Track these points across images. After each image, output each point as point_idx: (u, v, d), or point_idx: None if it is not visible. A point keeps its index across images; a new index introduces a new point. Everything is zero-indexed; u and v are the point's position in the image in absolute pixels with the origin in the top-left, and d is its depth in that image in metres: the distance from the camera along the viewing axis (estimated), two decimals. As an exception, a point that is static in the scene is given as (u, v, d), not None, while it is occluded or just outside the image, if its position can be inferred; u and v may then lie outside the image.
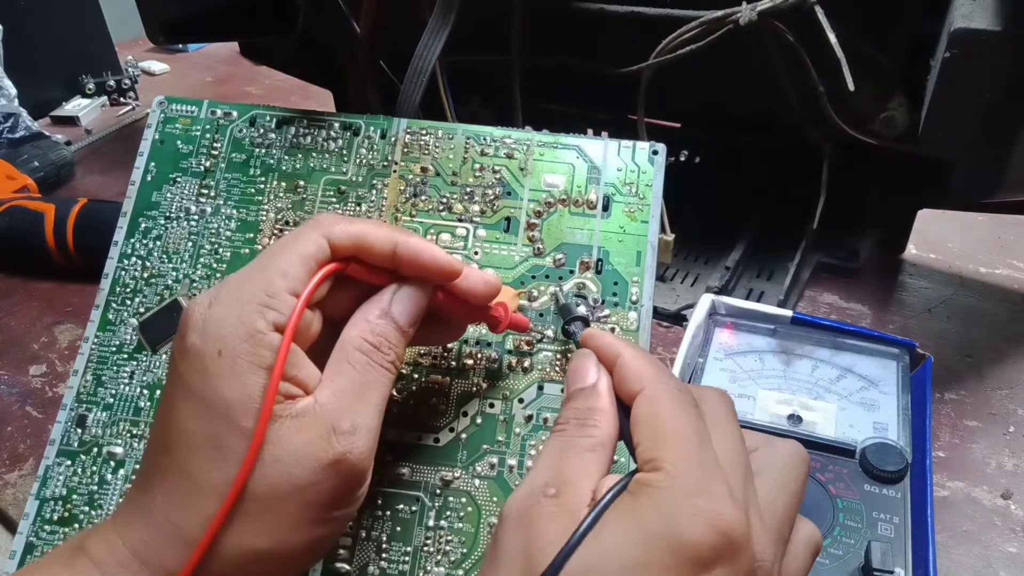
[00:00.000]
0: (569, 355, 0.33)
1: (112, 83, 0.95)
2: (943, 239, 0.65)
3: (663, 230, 0.51)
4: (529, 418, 0.33)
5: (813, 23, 0.44)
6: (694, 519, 0.21)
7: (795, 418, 0.39)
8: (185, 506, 0.24)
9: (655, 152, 0.36)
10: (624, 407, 0.25)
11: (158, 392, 0.35)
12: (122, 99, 0.96)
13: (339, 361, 0.26)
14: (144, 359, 0.35)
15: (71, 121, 0.91)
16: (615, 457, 0.25)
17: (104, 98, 0.96)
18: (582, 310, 0.33)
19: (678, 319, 0.54)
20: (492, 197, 0.36)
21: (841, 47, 0.43)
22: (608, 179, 0.36)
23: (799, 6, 0.44)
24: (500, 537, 0.23)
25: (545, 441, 0.26)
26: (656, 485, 0.22)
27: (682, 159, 0.66)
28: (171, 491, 0.25)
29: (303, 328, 0.26)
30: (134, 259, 0.37)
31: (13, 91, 0.81)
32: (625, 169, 0.36)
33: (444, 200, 0.36)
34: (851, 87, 0.43)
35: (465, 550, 0.31)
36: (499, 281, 0.30)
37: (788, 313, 0.43)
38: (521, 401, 0.33)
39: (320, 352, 0.27)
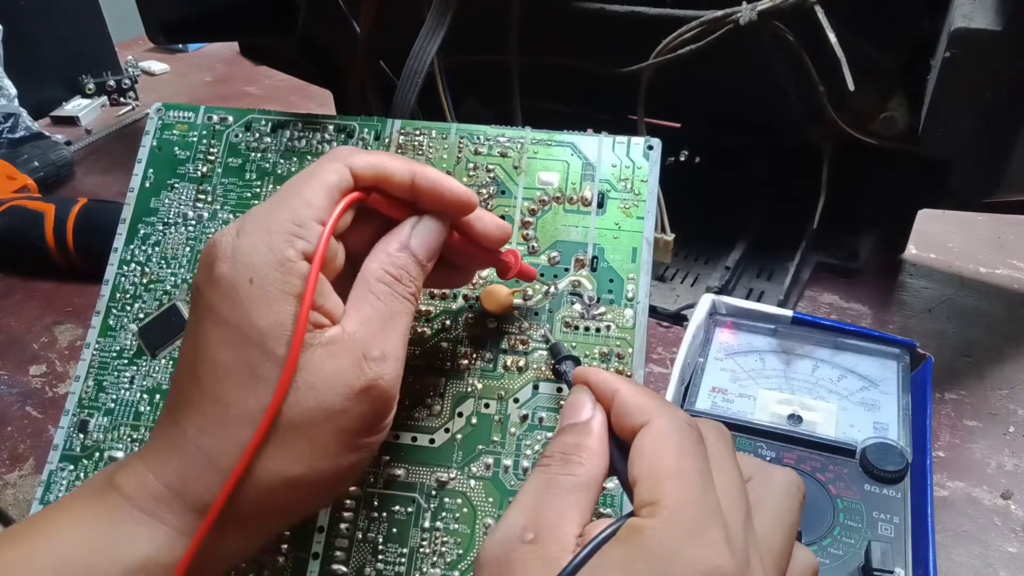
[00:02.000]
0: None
1: (112, 83, 0.95)
2: (943, 239, 0.64)
3: (663, 230, 0.51)
4: (524, 418, 0.32)
5: (813, 23, 0.44)
6: (688, 571, 0.20)
7: (795, 418, 0.39)
8: (218, 435, 0.24)
9: (650, 147, 0.36)
10: (621, 445, 0.24)
11: (158, 397, 0.35)
12: (122, 99, 0.96)
13: (363, 292, 0.26)
14: (144, 364, 0.35)
15: (71, 121, 0.91)
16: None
17: (104, 98, 0.96)
18: (582, 306, 0.33)
19: (678, 319, 0.54)
20: (486, 196, 0.36)
21: (841, 47, 0.43)
22: (603, 175, 0.36)
23: (799, 6, 0.44)
24: None
25: (527, 476, 0.25)
26: (651, 532, 0.21)
27: (682, 159, 0.66)
28: (203, 421, 0.25)
29: (329, 259, 0.26)
30: (133, 265, 0.37)
31: (13, 91, 0.81)
32: (620, 165, 0.36)
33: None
34: (851, 87, 0.43)
35: (461, 551, 0.31)
36: (510, 227, 0.31)
37: (788, 313, 0.43)
38: (516, 401, 0.33)
39: (341, 287, 0.27)
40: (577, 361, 0.32)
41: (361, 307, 0.26)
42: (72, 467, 0.34)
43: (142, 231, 0.37)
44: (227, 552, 0.25)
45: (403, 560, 0.31)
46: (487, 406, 0.33)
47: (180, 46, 1.16)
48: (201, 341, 0.25)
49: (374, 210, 0.28)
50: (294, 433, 0.24)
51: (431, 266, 0.28)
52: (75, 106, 0.93)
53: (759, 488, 0.24)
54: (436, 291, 0.35)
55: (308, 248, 0.25)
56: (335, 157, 0.27)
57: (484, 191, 0.36)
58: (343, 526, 0.32)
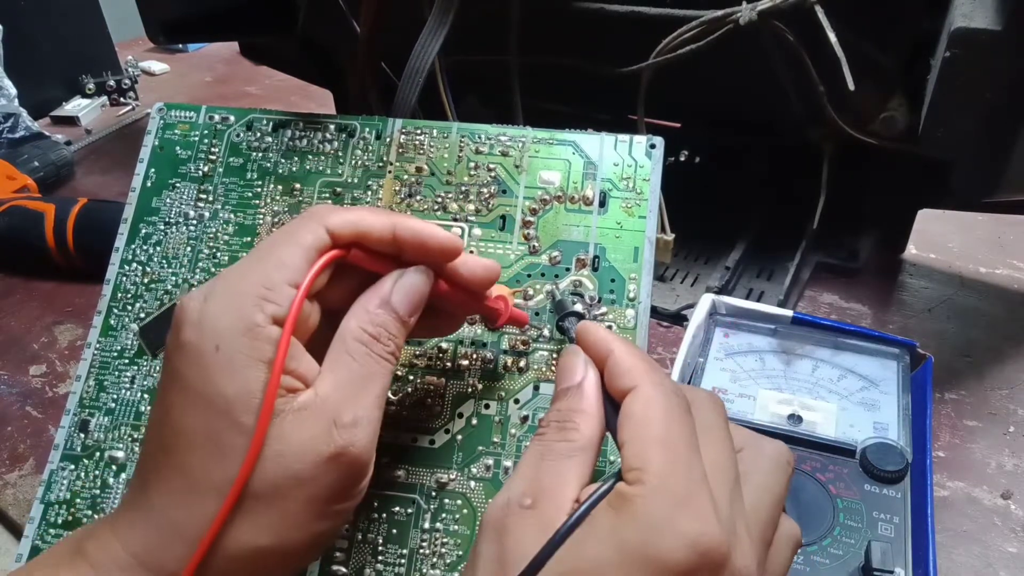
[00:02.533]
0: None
1: (112, 83, 0.95)
2: (943, 239, 0.64)
3: (663, 230, 0.51)
4: (525, 419, 0.32)
5: (813, 23, 0.44)
6: (675, 539, 0.20)
7: (795, 418, 0.39)
8: (185, 505, 0.24)
9: (652, 146, 0.36)
10: (614, 403, 0.24)
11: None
12: (122, 99, 0.96)
13: (339, 352, 0.26)
14: (145, 364, 0.35)
15: (71, 121, 0.91)
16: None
17: (104, 98, 0.96)
18: (579, 308, 0.33)
19: (678, 319, 0.54)
20: (487, 195, 0.36)
21: (841, 47, 0.43)
22: (604, 174, 0.36)
23: (799, 6, 0.44)
24: (477, 547, 0.23)
25: (527, 445, 0.25)
26: (639, 500, 0.21)
27: (682, 159, 0.66)
28: (170, 491, 0.24)
29: (302, 320, 0.26)
30: (135, 264, 0.37)
31: (13, 91, 0.81)
32: (622, 164, 0.36)
33: (439, 200, 0.36)
34: (851, 87, 0.43)
35: (461, 552, 0.31)
36: (498, 267, 0.30)
37: (788, 313, 0.43)
38: (517, 402, 0.33)
39: (317, 344, 0.26)
40: (582, 318, 0.31)
41: (336, 369, 0.25)
42: (73, 466, 0.34)
43: (143, 230, 0.37)
44: None
45: (403, 561, 0.31)
46: (487, 407, 0.33)
47: (180, 46, 1.16)
48: (167, 408, 0.25)
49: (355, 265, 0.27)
50: (262, 504, 0.24)
51: (414, 321, 0.27)
52: (75, 106, 0.93)
53: (749, 459, 0.25)
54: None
55: (279, 312, 0.24)
56: (313, 216, 0.27)
57: (485, 190, 0.36)
58: (343, 527, 0.32)
